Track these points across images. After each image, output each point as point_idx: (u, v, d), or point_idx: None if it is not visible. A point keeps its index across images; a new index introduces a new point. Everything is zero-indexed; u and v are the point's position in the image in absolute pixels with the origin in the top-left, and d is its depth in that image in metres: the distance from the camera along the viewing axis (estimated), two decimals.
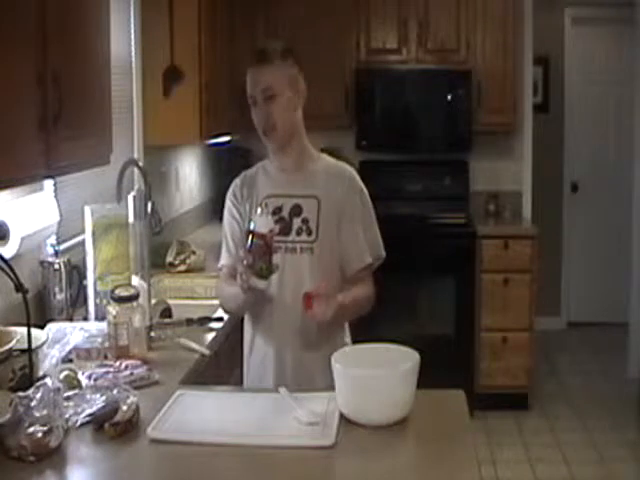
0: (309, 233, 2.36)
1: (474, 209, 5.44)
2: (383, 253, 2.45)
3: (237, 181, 2.51)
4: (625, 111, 6.42)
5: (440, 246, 5.02)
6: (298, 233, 2.36)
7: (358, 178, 2.48)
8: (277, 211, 2.37)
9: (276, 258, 2.23)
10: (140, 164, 3.45)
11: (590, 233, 6.84)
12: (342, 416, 1.90)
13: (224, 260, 2.47)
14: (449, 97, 5.37)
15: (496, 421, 4.91)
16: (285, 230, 2.35)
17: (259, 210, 2.23)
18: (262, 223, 2.17)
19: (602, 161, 6.82)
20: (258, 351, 2.44)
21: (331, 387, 1.96)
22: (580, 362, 6.04)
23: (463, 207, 5.42)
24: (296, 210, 2.38)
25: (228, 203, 2.48)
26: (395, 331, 4.44)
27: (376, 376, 1.91)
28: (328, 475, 1.78)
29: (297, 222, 2.37)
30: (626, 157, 6.23)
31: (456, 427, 1.92)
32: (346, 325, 2.52)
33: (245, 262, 2.15)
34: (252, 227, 2.17)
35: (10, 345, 1.98)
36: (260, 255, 2.14)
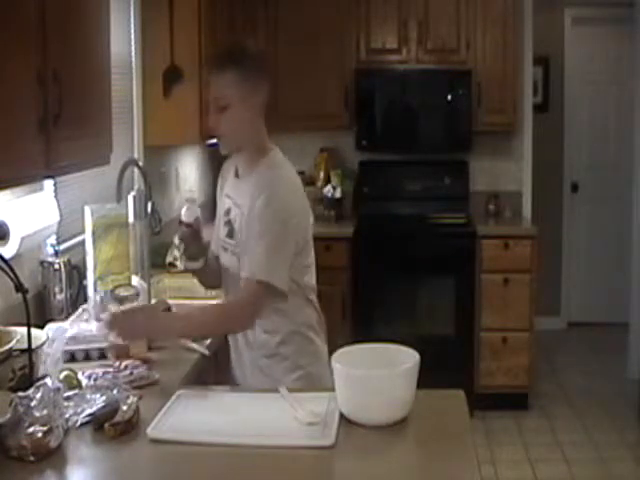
0: (231, 236, 2.43)
1: (474, 209, 5.44)
2: (262, 277, 2.23)
3: (221, 171, 2.63)
4: (625, 111, 6.42)
5: (440, 246, 5.02)
6: (235, 237, 2.42)
7: (276, 197, 2.30)
8: (227, 213, 2.47)
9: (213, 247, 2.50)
10: (140, 164, 3.46)
11: (590, 233, 6.84)
12: (342, 416, 1.90)
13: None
14: (449, 97, 5.37)
15: (496, 421, 4.91)
16: (230, 233, 2.44)
17: (186, 204, 2.42)
18: (188, 214, 2.40)
19: (602, 161, 6.82)
20: (231, 350, 2.56)
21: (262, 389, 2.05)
22: (580, 362, 6.04)
23: (463, 207, 5.42)
24: (232, 216, 2.45)
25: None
26: (395, 331, 4.45)
27: (376, 376, 1.90)
28: (328, 475, 1.78)
29: (233, 228, 2.43)
30: (626, 157, 6.23)
31: (456, 427, 1.92)
32: (292, 316, 2.42)
33: (179, 250, 2.40)
34: (181, 218, 2.41)
35: (10, 345, 1.97)
36: (190, 241, 2.42)
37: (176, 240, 2.45)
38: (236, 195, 2.45)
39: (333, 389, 1.95)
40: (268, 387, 2.21)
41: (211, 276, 2.56)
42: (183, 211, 2.42)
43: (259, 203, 2.30)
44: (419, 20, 5.27)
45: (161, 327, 2.32)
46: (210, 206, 5.28)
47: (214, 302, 2.66)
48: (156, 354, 2.49)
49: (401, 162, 5.61)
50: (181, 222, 2.42)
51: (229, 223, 2.45)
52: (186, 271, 2.53)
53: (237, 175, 2.49)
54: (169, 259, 3.76)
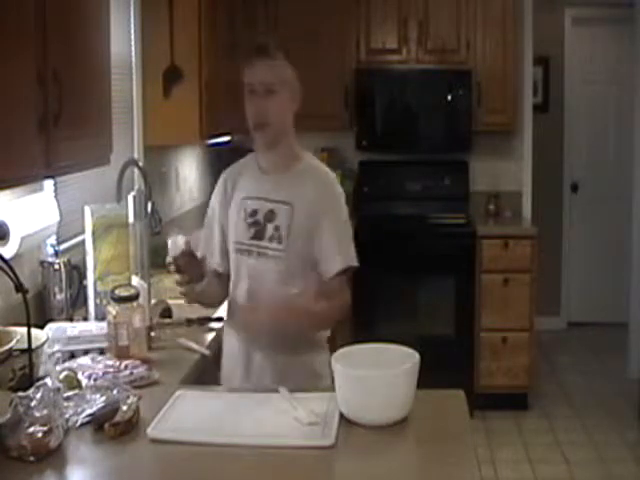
0: (279, 241, 2.34)
1: (474, 209, 5.44)
2: (355, 263, 2.37)
3: (223, 174, 2.53)
4: (625, 111, 6.42)
5: (440, 246, 5.02)
6: (270, 239, 2.35)
7: (337, 184, 2.43)
8: (253, 214, 2.38)
9: (242, 260, 2.38)
10: (140, 164, 3.45)
11: (590, 233, 6.84)
12: (342, 416, 1.90)
13: (199, 253, 2.51)
14: (449, 97, 5.37)
15: (496, 421, 4.91)
16: (259, 234, 2.36)
17: (169, 241, 2.33)
18: (173, 247, 2.31)
19: (602, 161, 6.82)
20: (229, 349, 2.48)
21: (300, 387, 1.99)
22: (580, 362, 6.04)
23: (463, 207, 5.42)
24: (270, 216, 2.36)
25: (213, 195, 2.55)
26: (395, 331, 4.44)
27: (376, 376, 1.91)
28: (328, 475, 1.78)
29: (270, 228, 2.36)
30: (626, 157, 6.23)
31: (456, 427, 1.92)
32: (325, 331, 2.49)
33: (182, 281, 2.31)
34: (170, 255, 2.32)
35: (10, 345, 1.98)
36: (190, 268, 2.31)
37: (177, 277, 2.34)
38: (270, 193, 2.36)
39: (333, 389, 1.95)
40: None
41: (214, 292, 2.49)
42: (169, 248, 2.34)
43: (327, 194, 2.37)
44: (419, 20, 5.28)
45: (297, 325, 2.31)
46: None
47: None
48: (156, 354, 2.49)
49: (401, 162, 5.61)
50: (172, 259, 2.32)
51: (256, 224, 2.37)
52: (196, 300, 2.46)
53: (264, 172, 2.42)
54: (169, 259, 3.78)
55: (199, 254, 2.35)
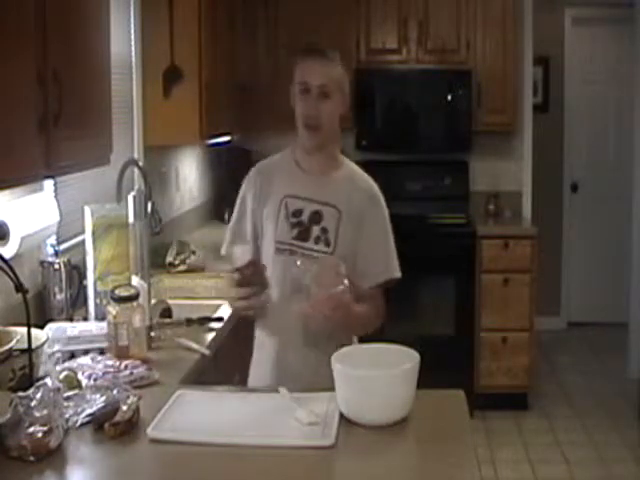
0: (327, 244, 2.31)
1: (474, 209, 5.44)
2: (398, 274, 2.39)
3: (254, 170, 2.47)
4: (625, 111, 6.43)
5: (440, 246, 5.02)
6: (316, 241, 2.32)
7: (381, 195, 2.42)
8: (297, 214, 2.33)
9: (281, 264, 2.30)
10: (140, 164, 3.45)
11: (590, 233, 6.84)
12: (342, 416, 1.90)
13: (223, 250, 2.49)
14: (449, 97, 5.37)
15: (496, 421, 4.91)
16: (303, 235, 2.32)
17: (235, 249, 2.28)
18: (241, 256, 2.27)
19: (602, 161, 6.82)
20: (263, 350, 2.43)
21: (333, 387, 1.95)
22: (580, 362, 6.04)
23: (463, 207, 5.42)
24: (316, 217, 2.32)
25: (241, 191, 2.47)
26: (395, 331, 4.44)
27: (376, 376, 1.90)
28: (328, 475, 1.78)
29: (316, 230, 2.32)
30: (626, 157, 6.23)
31: (456, 427, 1.92)
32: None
33: (247, 293, 2.22)
34: (236, 263, 2.25)
35: (10, 345, 1.97)
36: (254, 280, 2.23)
37: (240, 291, 2.24)
38: (316, 194, 2.33)
39: (333, 389, 1.95)
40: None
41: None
42: (235, 257, 2.28)
43: (374, 205, 2.37)
44: (419, 20, 5.28)
45: (352, 321, 2.27)
46: (210, 206, 5.29)
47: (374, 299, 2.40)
48: (156, 354, 2.49)
49: (401, 162, 5.62)
50: (237, 269, 2.23)
51: (300, 224, 2.33)
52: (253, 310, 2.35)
53: (305, 172, 2.39)
54: (169, 259, 3.78)
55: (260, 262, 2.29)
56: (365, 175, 2.45)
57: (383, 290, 2.41)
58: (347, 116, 2.52)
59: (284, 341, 2.37)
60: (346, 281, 2.18)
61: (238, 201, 2.47)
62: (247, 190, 2.45)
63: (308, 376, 2.30)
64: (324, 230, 2.32)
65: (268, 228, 2.36)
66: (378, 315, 2.39)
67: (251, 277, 2.20)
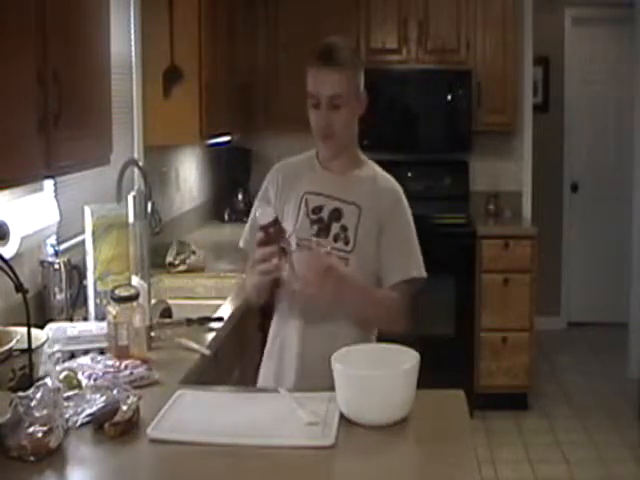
0: (346, 242, 2.29)
1: (474, 209, 5.44)
2: (422, 274, 2.34)
3: (276, 166, 2.44)
4: (625, 111, 6.43)
5: (440, 246, 5.01)
6: (335, 239, 2.29)
7: (404, 196, 2.41)
8: (317, 211, 2.31)
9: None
10: (140, 164, 3.45)
11: (590, 233, 6.84)
12: (342, 416, 1.90)
13: (241, 243, 2.45)
14: (449, 97, 5.37)
15: (496, 421, 4.91)
16: (323, 233, 2.30)
17: (259, 210, 2.15)
18: (263, 215, 2.12)
19: (602, 161, 6.83)
20: (281, 344, 2.38)
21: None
22: (580, 362, 6.04)
23: (463, 207, 5.42)
24: (336, 214, 2.30)
25: (263, 186, 2.44)
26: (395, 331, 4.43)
27: (376, 376, 1.90)
28: (328, 475, 1.78)
29: (336, 227, 2.29)
30: (626, 157, 6.24)
31: (456, 427, 1.92)
32: (374, 331, 2.43)
33: (268, 253, 2.11)
34: (260, 222, 2.12)
35: (10, 345, 1.97)
36: (277, 240, 2.12)
37: (262, 250, 2.12)
38: (336, 192, 2.30)
39: (333, 389, 1.95)
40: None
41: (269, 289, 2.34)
42: (257, 216, 2.14)
43: (397, 205, 2.36)
44: (419, 20, 5.28)
45: (354, 291, 2.20)
46: (210, 206, 5.29)
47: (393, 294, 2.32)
48: (156, 354, 2.49)
49: (401, 162, 5.61)
50: (264, 227, 2.10)
51: (320, 221, 2.30)
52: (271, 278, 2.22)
53: (327, 169, 2.36)
54: (169, 259, 3.78)
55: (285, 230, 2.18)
56: (387, 175, 2.45)
57: (410, 293, 2.35)
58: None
59: (307, 344, 2.32)
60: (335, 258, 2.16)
61: (259, 196, 2.44)
62: (269, 186, 2.42)
63: (328, 373, 2.28)
64: (344, 228, 2.29)
65: (289, 225, 2.32)
66: (398, 312, 2.31)
67: (276, 237, 2.11)
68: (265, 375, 2.45)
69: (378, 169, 2.46)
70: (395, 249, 2.31)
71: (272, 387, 2.28)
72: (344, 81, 2.28)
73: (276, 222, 2.11)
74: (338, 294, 2.13)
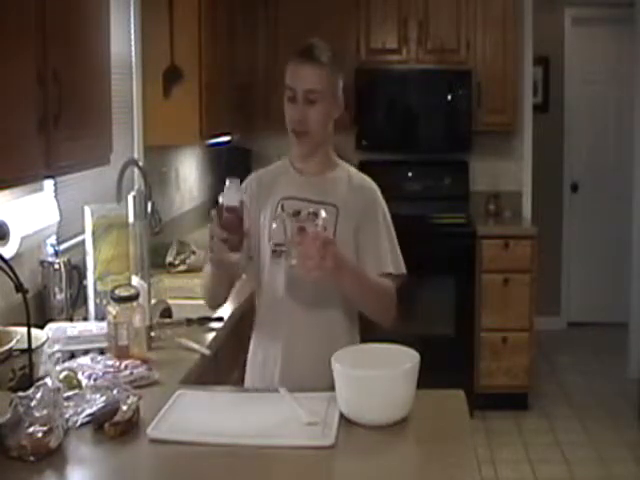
0: None
1: (474, 209, 5.44)
2: (404, 270, 2.36)
3: (250, 176, 2.43)
4: (625, 111, 6.43)
5: (440, 246, 5.02)
6: None
7: (380, 193, 2.40)
8: (295, 214, 2.29)
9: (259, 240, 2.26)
10: (140, 164, 3.46)
11: (590, 233, 6.84)
12: (342, 416, 1.90)
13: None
14: (449, 97, 5.37)
15: (496, 421, 4.91)
16: None
17: (227, 183, 2.10)
18: (231, 196, 2.08)
19: (602, 161, 6.82)
20: (264, 351, 2.38)
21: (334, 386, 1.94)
22: (580, 362, 6.04)
23: (463, 207, 5.42)
24: (313, 217, 2.26)
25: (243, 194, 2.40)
26: (395, 331, 4.44)
27: (376, 376, 1.90)
28: (328, 475, 1.78)
29: (329, 227, 2.27)
30: (626, 157, 6.23)
31: (456, 427, 1.92)
32: (357, 324, 2.45)
33: (218, 237, 2.07)
34: (221, 201, 2.09)
35: (10, 345, 1.98)
36: (234, 229, 2.08)
37: (212, 229, 2.08)
38: (313, 194, 2.29)
39: (333, 389, 1.95)
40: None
41: (228, 284, 2.33)
42: (224, 192, 2.08)
43: (372, 203, 2.34)
44: (419, 20, 5.28)
45: (351, 269, 2.17)
46: (210, 206, 5.28)
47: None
48: (156, 354, 2.49)
49: (401, 162, 5.61)
50: (222, 206, 2.07)
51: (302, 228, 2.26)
52: (222, 263, 2.16)
53: (301, 173, 2.36)
54: (169, 259, 3.78)
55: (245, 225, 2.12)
56: (361, 174, 2.44)
57: (398, 284, 2.35)
58: (343, 118, 2.47)
59: (290, 343, 2.33)
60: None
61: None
62: (244, 195, 2.42)
63: (313, 377, 2.25)
64: (322, 229, 2.28)
65: (265, 233, 2.33)
66: (390, 296, 2.31)
67: (232, 223, 2.07)
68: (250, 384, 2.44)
69: (352, 169, 2.45)
70: (370, 245, 2.31)
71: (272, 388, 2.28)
72: (322, 77, 2.28)
73: (239, 210, 2.07)
74: (336, 271, 2.09)
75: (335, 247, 2.10)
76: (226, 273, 2.26)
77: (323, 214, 2.14)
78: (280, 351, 2.34)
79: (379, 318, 2.35)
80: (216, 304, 2.47)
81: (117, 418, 1.86)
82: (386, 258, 2.32)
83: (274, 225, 2.27)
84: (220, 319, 2.90)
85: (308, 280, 2.15)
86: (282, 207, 2.31)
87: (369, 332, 2.40)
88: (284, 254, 2.24)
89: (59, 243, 2.95)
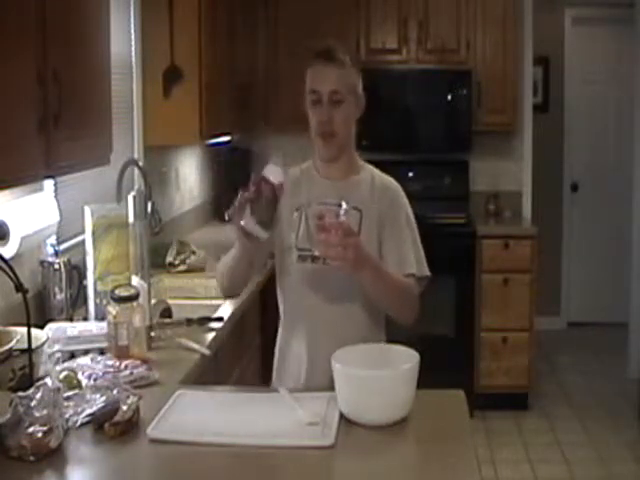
0: None
1: (474, 209, 5.44)
2: (428, 272, 2.34)
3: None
4: (625, 111, 6.43)
5: (440, 246, 5.01)
6: None
7: (403, 194, 2.41)
8: (320, 219, 2.27)
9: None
10: (140, 164, 3.46)
11: (590, 233, 6.84)
12: (342, 416, 1.90)
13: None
14: (449, 97, 5.37)
15: (496, 421, 4.91)
16: None
17: (271, 164, 2.12)
18: (275, 173, 2.09)
19: (602, 161, 6.82)
20: (291, 356, 2.38)
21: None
22: (580, 362, 6.04)
23: (463, 207, 5.42)
24: (337, 208, 2.23)
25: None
26: (395, 331, 4.44)
27: (376, 376, 1.91)
28: (328, 475, 1.78)
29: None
30: (626, 157, 6.23)
31: (456, 427, 1.92)
32: (383, 326, 2.45)
33: (247, 197, 2.06)
34: (266, 175, 2.08)
35: (10, 345, 1.98)
36: (267, 203, 2.07)
37: (248, 192, 2.06)
38: (337, 198, 2.22)
39: (333, 389, 1.95)
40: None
41: (248, 267, 2.29)
42: (268, 168, 2.08)
43: (396, 203, 2.36)
44: (419, 20, 5.28)
45: (373, 264, 2.15)
46: (210, 206, 5.29)
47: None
48: (156, 354, 2.49)
49: (401, 162, 5.61)
50: (265, 179, 2.06)
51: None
52: (246, 235, 2.12)
53: (325, 177, 2.35)
54: (169, 259, 3.78)
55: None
56: (385, 175, 2.44)
57: (422, 286, 2.34)
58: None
59: (315, 347, 2.32)
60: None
61: None
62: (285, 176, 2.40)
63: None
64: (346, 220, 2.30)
65: (288, 235, 2.32)
66: (413, 299, 2.30)
67: (269, 199, 2.06)
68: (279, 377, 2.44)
69: (376, 171, 2.44)
70: (393, 246, 2.30)
71: (273, 387, 2.29)
72: (345, 78, 2.28)
73: (277, 190, 2.07)
74: (357, 264, 2.07)
75: (357, 239, 2.09)
76: (247, 255, 2.23)
77: (344, 205, 2.11)
78: (305, 351, 2.34)
79: (401, 317, 2.35)
80: (232, 291, 2.44)
81: (117, 418, 1.86)
82: (409, 259, 2.31)
83: (300, 230, 2.27)
84: (220, 319, 2.90)
85: (332, 270, 2.13)
86: (306, 212, 2.29)
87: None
88: (308, 259, 2.27)
89: (59, 243, 2.95)
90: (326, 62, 2.28)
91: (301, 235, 2.29)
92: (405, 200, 2.41)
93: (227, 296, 2.57)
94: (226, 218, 2.18)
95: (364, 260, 2.09)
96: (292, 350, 2.39)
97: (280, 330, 2.45)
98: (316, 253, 2.12)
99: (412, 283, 2.30)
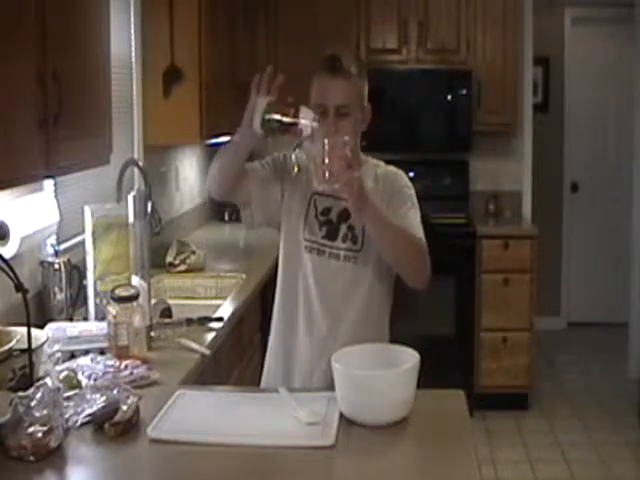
0: (354, 241, 2.30)
1: (474, 209, 5.44)
2: (426, 247, 2.30)
3: (292, 154, 2.43)
4: (625, 111, 6.43)
5: (440, 246, 5.00)
6: (344, 240, 2.30)
7: (407, 178, 2.40)
8: (325, 212, 2.32)
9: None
10: (140, 164, 3.46)
11: (590, 233, 6.84)
12: (342, 416, 1.90)
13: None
14: (449, 97, 5.37)
15: (496, 421, 4.91)
16: (332, 234, 2.31)
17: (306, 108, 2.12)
18: (306, 113, 2.10)
19: (602, 161, 6.82)
20: (286, 353, 2.39)
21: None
22: (580, 362, 6.04)
23: (463, 207, 5.42)
24: (344, 215, 2.30)
25: (281, 155, 2.46)
26: (395, 331, 4.44)
27: (376, 376, 1.91)
28: (328, 475, 1.78)
29: (344, 228, 2.30)
30: (626, 157, 6.23)
31: (456, 427, 1.92)
32: (387, 322, 2.47)
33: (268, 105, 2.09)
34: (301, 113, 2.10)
35: (10, 345, 1.98)
36: (282, 125, 2.11)
37: (268, 99, 2.10)
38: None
39: (333, 389, 1.95)
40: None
41: (238, 167, 2.33)
42: (304, 109, 2.11)
43: (396, 184, 2.36)
44: (419, 20, 5.28)
45: (376, 205, 2.14)
46: (210, 206, 5.29)
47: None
48: (156, 354, 2.49)
49: (401, 162, 5.56)
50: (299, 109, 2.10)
51: (329, 223, 2.31)
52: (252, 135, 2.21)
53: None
54: (169, 259, 3.78)
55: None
56: (389, 166, 2.46)
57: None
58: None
59: (315, 344, 2.33)
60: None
61: (274, 155, 2.46)
62: (286, 161, 2.42)
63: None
64: (351, 227, 2.30)
65: (294, 223, 2.33)
66: (420, 253, 2.26)
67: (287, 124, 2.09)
68: (269, 377, 2.45)
69: (379, 162, 2.48)
70: (398, 217, 2.25)
71: (272, 387, 2.28)
72: (351, 90, 2.29)
73: (290, 105, 2.09)
74: (360, 200, 2.06)
75: (360, 173, 2.09)
76: (242, 151, 2.31)
77: (346, 138, 2.10)
78: (303, 355, 2.34)
79: (412, 275, 2.32)
80: (219, 188, 2.40)
81: (117, 418, 1.86)
82: (414, 224, 2.27)
83: (309, 217, 2.29)
84: (220, 319, 2.90)
85: (337, 264, 2.21)
86: (315, 203, 2.32)
87: None
88: (315, 251, 2.30)
89: (59, 243, 2.95)
90: (332, 74, 2.27)
91: (309, 227, 2.31)
92: (407, 182, 2.39)
93: (213, 193, 2.47)
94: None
95: (366, 198, 2.08)
96: (286, 348, 2.38)
97: (275, 328, 2.44)
98: (320, 189, 2.11)
99: (420, 237, 2.26)
